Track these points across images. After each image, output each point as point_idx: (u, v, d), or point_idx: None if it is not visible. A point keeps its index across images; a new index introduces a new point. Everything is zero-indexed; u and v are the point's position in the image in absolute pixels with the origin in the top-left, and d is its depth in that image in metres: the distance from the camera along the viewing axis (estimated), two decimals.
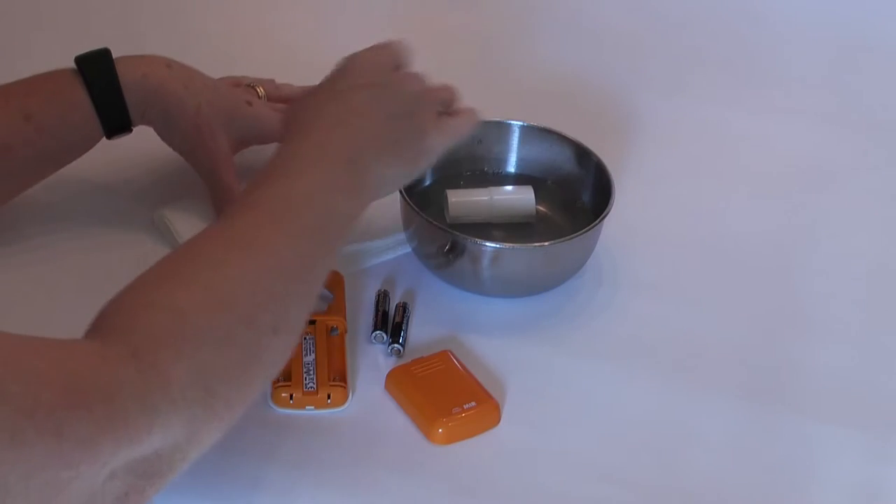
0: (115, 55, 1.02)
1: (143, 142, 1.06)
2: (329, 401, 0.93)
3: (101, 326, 0.76)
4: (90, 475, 0.68)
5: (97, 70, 1.01)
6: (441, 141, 0.94)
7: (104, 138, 1.04)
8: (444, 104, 0.96)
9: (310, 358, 0.95)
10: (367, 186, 0.89)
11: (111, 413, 0.69)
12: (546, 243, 1.04)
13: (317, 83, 1.21)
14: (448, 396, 0.93)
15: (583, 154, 1.10)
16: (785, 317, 1.06)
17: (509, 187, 1.12)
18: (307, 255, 0.84)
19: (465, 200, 1.09)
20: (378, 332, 0.99)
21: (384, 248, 1.08)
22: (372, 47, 0.96)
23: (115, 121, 1.03)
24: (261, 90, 1.14)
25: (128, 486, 0.71)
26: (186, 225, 1.06)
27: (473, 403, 0.93)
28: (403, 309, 1.01)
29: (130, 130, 1.04)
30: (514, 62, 1.37)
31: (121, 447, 0.69)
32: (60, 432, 0.66)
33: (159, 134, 1.07)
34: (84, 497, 0.69)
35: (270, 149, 1.12)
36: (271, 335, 0.79)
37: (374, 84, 0.93)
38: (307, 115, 0.91)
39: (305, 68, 1.24)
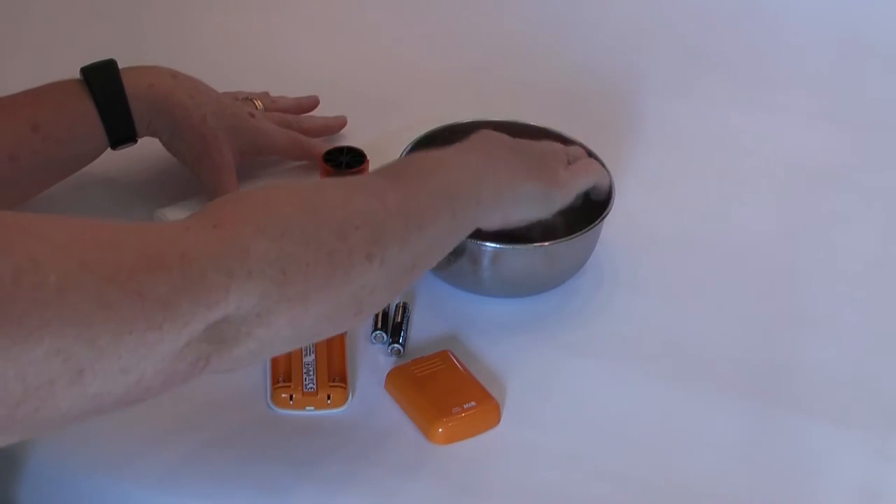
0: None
1: (143, 142, 1.07)
2: (329, 401, 0.93)
3: (196, 213, 0.78)
4: (172, 336, 0.71)
5: (103, 80, 1.02)
6: (573, 178, 1.01)
7: (109, 148, 1.05)
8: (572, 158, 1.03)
9: (310, 358, 0.95)
10: (499, 183, 0.93)
11: (189, 274, 0.71)
12: (546, 243, 1.04)
13: (315, 94, 1.21)
14: (448, 396, 0.93)
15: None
16: (786, 316, 1.06)
17: None
18: (419, 210, 0.86)
19: None
20: (378, 332, 0.99)
21: None
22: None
23: (121, 131, 1.03)
24: (258, 103, 1.15)
25: (199, 352, 0.73)
26: None
27: (473, 403, 0.93)
28: (403, 309, 1.01)
29: (135, 141, 1.05)
30: (515, 62, 1.37)
31: (199, 307, 0.72)
32: (142, 293, 0.69)
33: (165, 144, 1.08)
34: (168, 359, 0.71)
35: (270, 161, 1.14)
36: (364, 260, 0.80)
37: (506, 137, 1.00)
38: (466, 144, 0.97)
39: (300, 78, 1.26)
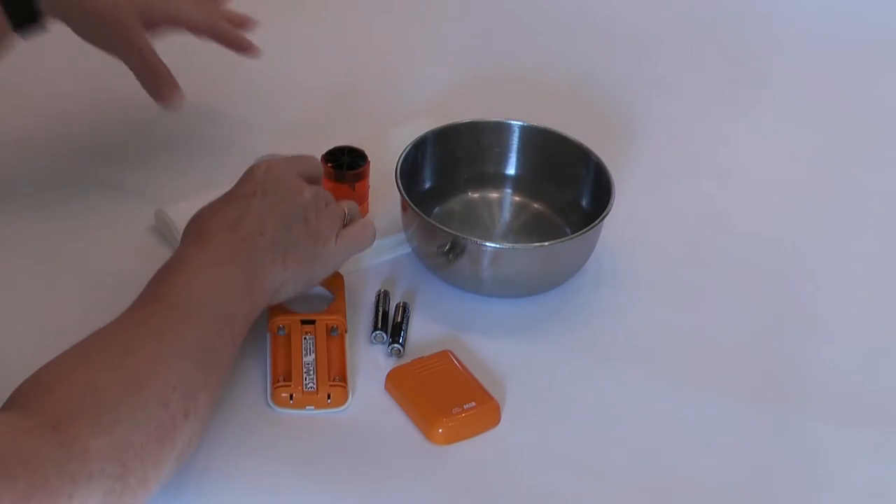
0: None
1: (144, 138, 1.06)
2: (329, 401, 0.93)
3: (19, 400, 0.78)
4: None
5: None
6: (343, 248, 0.97)
7: (17, 38, 0.99)
8: (344, 217, 0.99)
9: (310, 358, 0.95)
10: (261, 289, 0.92)
11: (33, 483, 0.72)
12: (546, 243, 1.04)
13: (316, 93, 1.20)
14: (448, 396, 0.94)
15: (583, 154, 1.10)
16: (787, 317, 1.06)
17: None
18: (211, 346, 0.87)
19: None
20: (378, 332, 0.99)
21: (384, 248, 1.08)
22: (283, 157, 0.98)
23: (21, 8, 0.97)
24: None
25: None
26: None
27: (473, 403, 0.93)
28: (403, 309, 1.01)
29: (43, 25, 0.99)
30: (515, 62, 1.37)
31: None
32: None
33: (74, 28, 1.02)
34: None
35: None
36: (182, 418, 0.82)
37: (271, 191, 0.95)
38: (205, 217, 0.94)
39: (300, 78, 1.26)
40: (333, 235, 0.96)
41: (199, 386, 0.84)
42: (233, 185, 0.96)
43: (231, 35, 1.10)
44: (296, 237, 0.94)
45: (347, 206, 1.00)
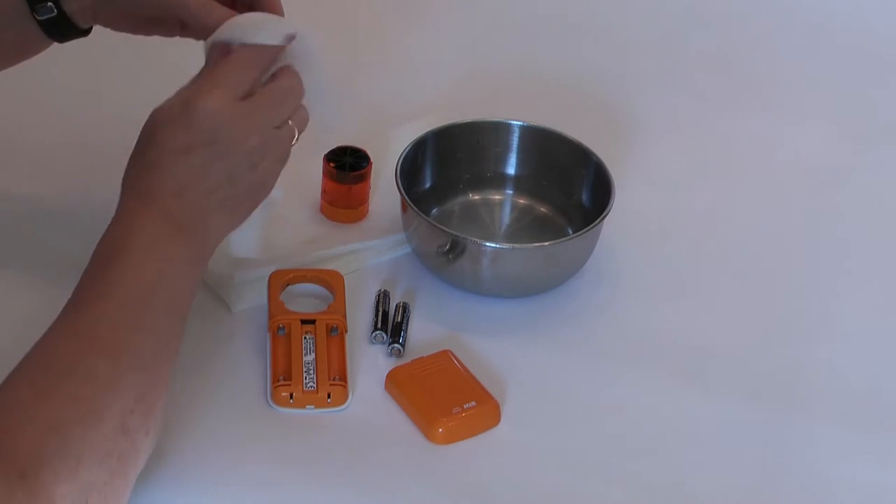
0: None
1: None
2: (329, 400, 0.93)
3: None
4: None
5: None
6: (277, 172, 0.90)
7: (54, 43, 0.95)
8: (299, 126, 0.91)
9: (310, 357, 0.96)
10: (209, 251, 0.88)
11: None
12: (546, 243, 1.04)
13: None
14: (448, 396, 0.94)
15: (583, 154, 1.10)
16: (787, 317, 1.06)
17: None
18: (165, 346, 0.84)
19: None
20: (378, 332, 0.99)
21: (384, 248, 1.08)
22: (213, 90, 0.86)
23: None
24: None
25: None
26: None
27: (473, 403, 0.93)
28: (403, 309, 1.01)
29: (84, 32, 0.95)
30: (514, 62, 1.37)
31: None
32: None
33: (113, 20, 0.94)
34: None
35: None
36: (143, 437, 0.80)
37: (217, 140, 0.85)
38: (145, 177, 0.85)
39: None
40: (277, 171, 0.89)
41: (157, 397, 0.81)
42: None
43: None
44: (242, 187, 0.87)
45: (296, 122, 0.90)
